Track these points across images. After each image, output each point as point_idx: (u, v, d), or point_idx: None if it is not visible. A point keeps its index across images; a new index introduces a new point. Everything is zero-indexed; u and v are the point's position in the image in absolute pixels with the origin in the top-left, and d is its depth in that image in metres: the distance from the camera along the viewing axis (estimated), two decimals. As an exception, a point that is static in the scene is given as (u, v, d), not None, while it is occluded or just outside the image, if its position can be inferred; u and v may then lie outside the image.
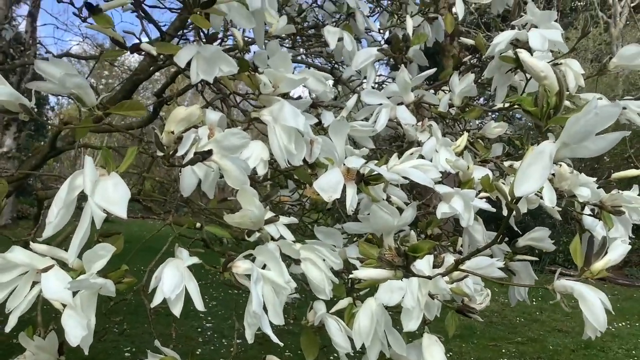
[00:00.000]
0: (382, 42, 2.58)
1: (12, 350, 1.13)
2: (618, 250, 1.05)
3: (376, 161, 1.36)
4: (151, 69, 2.78)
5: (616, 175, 1.61)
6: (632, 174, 1.59)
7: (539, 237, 1.88)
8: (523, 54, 1.17)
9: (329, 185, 1.12)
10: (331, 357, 5.43)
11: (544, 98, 0.86)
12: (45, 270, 0.90)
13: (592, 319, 0.99)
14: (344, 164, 1.17)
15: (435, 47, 2.48)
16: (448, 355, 4.70)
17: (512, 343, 6.52)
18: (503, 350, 6.26)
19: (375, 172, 1.16)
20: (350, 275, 1.04)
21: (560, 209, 1.70)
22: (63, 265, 0.97)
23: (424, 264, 1.15)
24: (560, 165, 1.56)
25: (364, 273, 1.00)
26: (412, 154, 1.32)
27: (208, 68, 1.19)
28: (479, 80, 1.92)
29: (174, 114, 1.02)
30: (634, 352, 6.30)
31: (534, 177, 0.86)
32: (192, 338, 6.02)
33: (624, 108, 1.87)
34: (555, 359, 6.02)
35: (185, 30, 2.26)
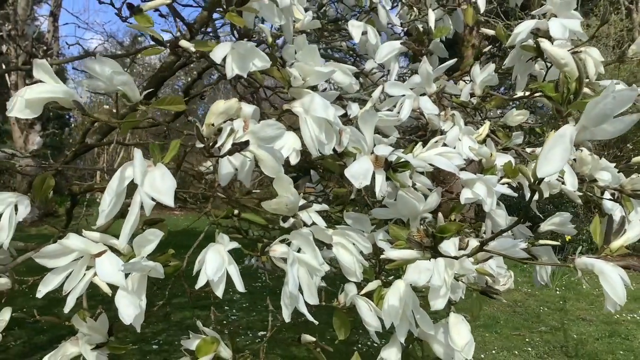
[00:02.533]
0: (402, 35, 2.63)
1: (63, 331, 1.21)
2: (636, 229, 1.10)
3: (402, 150, 1.42)
4: (175, 66, 2.86)
5: (636, 159, 1.65)
6: (651, 158, 1.63)
7: (561, 222, 1.92)
8: (545, 43, 1.22)
9: (359, 173, 1.18)
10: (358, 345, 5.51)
11: (564, 84, 0.91)
12: (99, 255, 0.98)
13: (612, 293, 1.04)
14: (373, 152, 1.23)
15: (454, 38, 2.52)
16: (471, 344, 4.65)
17: (535, 332, 6.53)
18: (527, 340, 6.28)
19: (403, 160, 1.22)
20: (382, 256, 1.10)
21: (581, 194, 1.74)
22: (113, 251, 1.04)
23: (449, 246, 1.21)
24: (582, 150, 1.61)
25: (395, 253, 1.06)
26: (437, 142, 1.37)
27: (242, 63, 1.26)
28: (499, 70, 1.97)
29: (214, 107, 1.08)
30: (658, 339, 6.29)
31: (555, 159, 0.91)
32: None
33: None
34: (579, 347, 6.02)
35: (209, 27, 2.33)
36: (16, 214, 1.22)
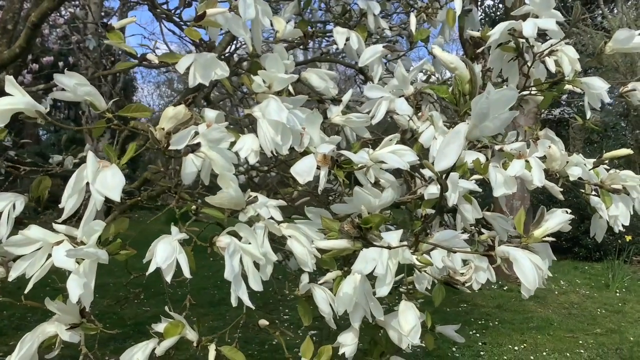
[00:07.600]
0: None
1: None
2: (556, 219, 1.15)
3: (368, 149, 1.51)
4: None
5: (607, 155, 1.68)
6: (622, 154, 1.65)
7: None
8: (435, 49, 1.28)
9: (303, 170, 1.28)
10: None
11: (456, 86, 0.99)
12: (57, 244, 1.13)
13: (524, 279, 1.10)
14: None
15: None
16: (522, 346, 4.78)
17: (590, 334, 6.38)
18: (580, 342, 6.15)
19: (345, 157, 1.32)
20: (312, 246, 1.20)
21: (562, 190, 1.77)
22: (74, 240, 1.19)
23: (392, 237, 1.28)
24: (550, 146, 1.65)
25: (324, 243, 1.17)
26: (391, 140, 1.45)
27: (204, 72, 1.39)
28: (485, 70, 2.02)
29: (164, 113, 1.22)
30: None
31: (450, 154, 0.99)
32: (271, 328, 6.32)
33: (634, 90, 1.93)
34: (634, 349, 5.86)
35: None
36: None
